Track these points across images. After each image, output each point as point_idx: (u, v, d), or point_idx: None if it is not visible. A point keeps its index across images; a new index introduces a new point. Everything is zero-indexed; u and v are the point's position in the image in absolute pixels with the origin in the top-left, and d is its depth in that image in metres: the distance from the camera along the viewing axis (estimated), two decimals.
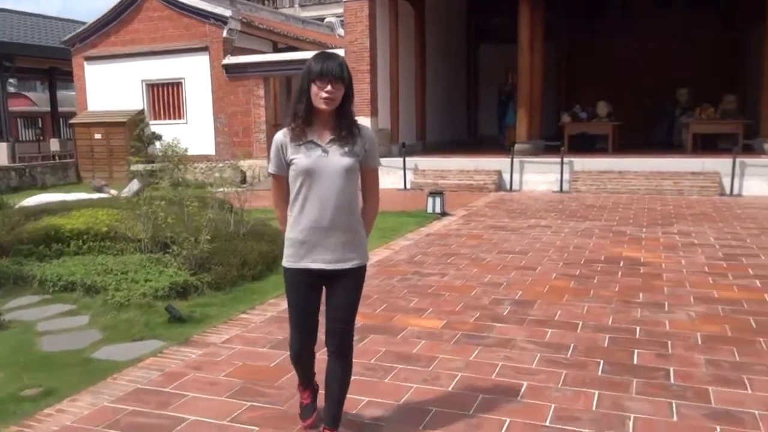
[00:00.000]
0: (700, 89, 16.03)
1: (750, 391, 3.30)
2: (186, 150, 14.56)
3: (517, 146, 13.00)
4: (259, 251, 6.18)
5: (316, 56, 2.61)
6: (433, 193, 9.81)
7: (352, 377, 2.83)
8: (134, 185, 11.43)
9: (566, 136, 14.59)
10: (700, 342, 4.03)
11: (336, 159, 2.58)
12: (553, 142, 13.97)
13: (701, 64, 17.43)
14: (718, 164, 11.48)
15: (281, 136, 2.65)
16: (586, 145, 14.76)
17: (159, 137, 14.79)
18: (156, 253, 6.12)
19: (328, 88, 2.50)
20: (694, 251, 6.69)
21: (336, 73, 2.52)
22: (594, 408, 3.15)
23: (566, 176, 12.24)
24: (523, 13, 13.44)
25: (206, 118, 16.28)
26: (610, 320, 4.50)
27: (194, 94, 16.32)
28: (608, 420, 3.02)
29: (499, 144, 16.67)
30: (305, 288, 2.68)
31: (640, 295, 5.12)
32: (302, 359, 2.87)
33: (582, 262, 6.33)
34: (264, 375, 3.63)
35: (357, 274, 2.70)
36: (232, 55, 15.64)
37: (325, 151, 2.58)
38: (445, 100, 18.03)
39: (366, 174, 2.72)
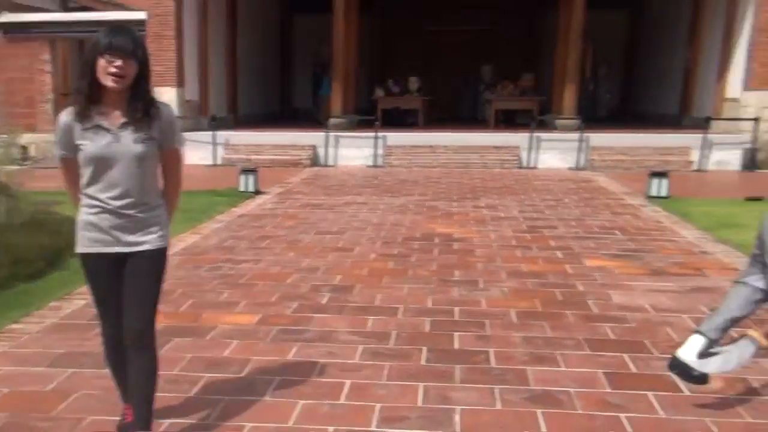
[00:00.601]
0: (502, 67, 17.06)
1: (564, 368, 3.36)
2: None
3: (332, 120, 12.81)
4: (38, 245, 5.28)
5: (106, 29, 2.34)
6: (246, 170, 9.26)
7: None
8: None
9: (379, 110, 14.73)
10: (515, 319, 4.09)
11: (128, 145, 2.38)
12: (367, 116, 13.99)
13: (503, 44, 18.53)
14: (518, 139, 12.24)
15: (66, 117, 2.40)
16: (399, 120, 15.03)
17: None
18: None
19: (118, 63, 2.28)
20: (501, 224, 6.96)
21: (127, 48, 2.29)
22: (420, 403, 2.99)
23: (380, 151, 12.31)
24: None
25: None
26: (430, 302, 4.43)
27: None
28: (435, 416, 2.88)
29: (313, 118, 16.41)
30: (103, 275, 2.51)
31: (456, 272, 5.14)
32: (114, 353, 2.61)
33: (399, 240, 6.28)
34: (38, 403, 2.99)
35: (155, 258, 2.52)
36: (12, 11, 13.49)
37: (115, 136, 2.37)
38: (258, 72, 17.30)
39: (165, 156, 2.52)
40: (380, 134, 12.28)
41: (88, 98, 2.34)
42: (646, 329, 3.89)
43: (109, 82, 2.30)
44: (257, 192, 9.06)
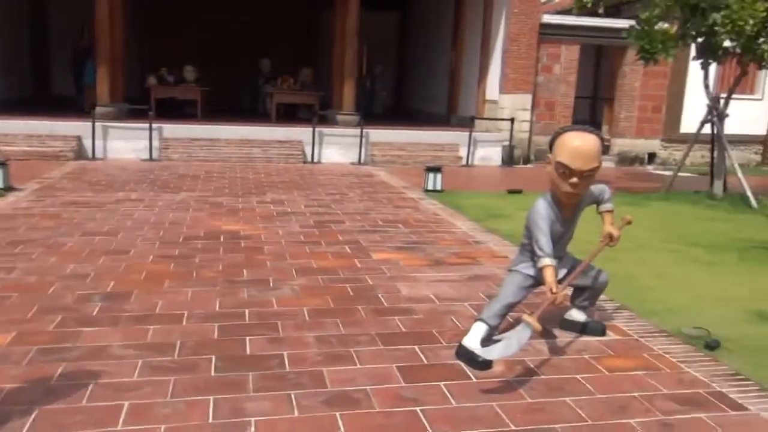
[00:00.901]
0: (281, 61, 16.93)
1: (359, 365, 3.34)
2: None
3: (98, 109, 11.59)
4: None
5: None
6: None
7: None
8: None
9: (153, 99, 13.72)
10: (307, 318, 3.99)
11: None
12: (139, 106, 12.95)
13: (282, 38, 18.40)
14: (301, 133, 12.23)
15: None
16: (175, 110, 14.15)
17: None
18: None
19: None
20: (288, 220, 6.85)
21: None
22: (211, 419, 2.74)
23: (156, 143, 11.47)
24: None
25: None
26: (218, 305, 4.16)
27: None
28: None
29: (77, 105, 14.77)
30: None
31: (245, 272, 4.91)
32: None
33: (181, 240, 5.84)
34: None
35: None
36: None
37: None
38: (5, 51, 15.07)
39: None
40: (155, 125, 11.43)
41: None
42: (433, 320, 4.04)
43: None
44: (8, 188, 7.86)
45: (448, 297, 4.50)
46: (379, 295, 4.47)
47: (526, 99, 13.45)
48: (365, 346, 3.58)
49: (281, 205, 7.70)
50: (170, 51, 17.63)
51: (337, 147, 12.25)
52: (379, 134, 12.46)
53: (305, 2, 18.71)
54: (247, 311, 4.07)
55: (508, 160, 12.99)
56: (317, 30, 18.82)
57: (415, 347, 3.58)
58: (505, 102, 13.46)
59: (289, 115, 14.99)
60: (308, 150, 12.04)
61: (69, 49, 15.65)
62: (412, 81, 19.00)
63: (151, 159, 11.26)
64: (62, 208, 6.98)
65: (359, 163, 12.04)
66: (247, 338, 3.63)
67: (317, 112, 13.45)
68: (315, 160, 12.00)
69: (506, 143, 13.04)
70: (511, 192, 9.22)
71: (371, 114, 15.20)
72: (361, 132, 12.10)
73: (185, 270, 4.91)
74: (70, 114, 12.70)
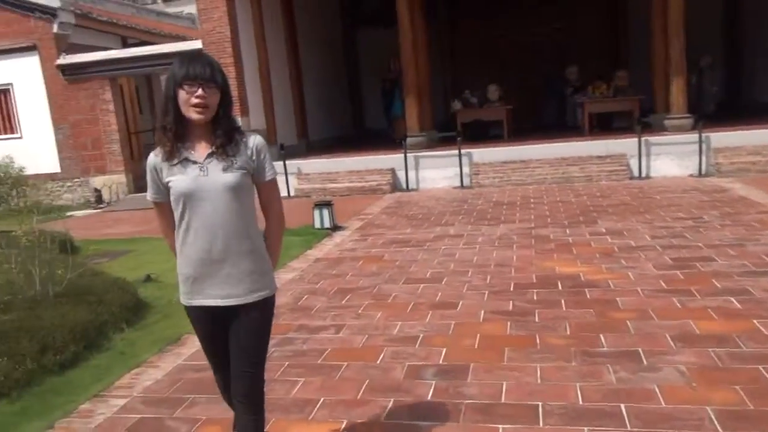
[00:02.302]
0: (587, 66, 15.49)
1: None
2: (23, 169, 12.17)
3: (409, 140, 11.64)
4: (74, 321, 4.33)
5: (179, 58, 2.23)
6: (320, 204, 8.19)
7: None
8: None
9: (459, 124, 13.48)
10: (719, 428, 2.72)
11: (217, 177, 2.22)
12: (447, 132, 12.78)
13: (586, 42, 16.94)
14: (622, 145, 10.69)
15: (153, 156, 2.30)
16: (480, 133, 13.72)
17: None
18: None
19: (199, 92, 2.15)
20: (636, 258, 5.54)
21: (205, 74, 2.17)
22: None
23: (466, 170, 11.05)
24: None
25: (45, 129, 13.70)
26: (579, 394, 3.13)
27: (27, 101, 13.68)
28: None
29: (388, 138, 15.35)
30: (207, 326, 2.38)
31: (602, 338, 3.81)
32: (228, 396, 2.51)
33: (511, 288, 4.99)
34: None
35: (262, 309, 2.36)
36: (69, 53, 13.19)
37: (203, 168, 2.22)
38: (325, 93, 16.44)
39: (261, 188, 2.39)
40: (464, 151, 11.02)
41: (175, 134, 2.21)
42: None
43: (193, 114, 2.18)
44: (335, 228, 7.99)
45: None
46: None
47: None
48: None
49: (620, 236, 6.41)
50: (469, 73, 17.51)
51: (669, 157, 10.41)
52: (722, 137, 10.27)
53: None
54: (623, 408, 2.96)
55: None
56: (624, 27, 16.90)
57: None
58: None
59: (603, 125, 13.48)
60: (633, 163, 10.44)
61: (377, 84, 16.42)
62: (749, 69, 15.83)
63: (462, 186, 10.86)
64: (384, 249, 6.72)
65: (700, 174, 10.03)
66: None
67: (637, 119, 11.75)
68: (643, 174, 10.34)
69: None
70: None
71: (702, 115, 12.83)
72: (700, 136, 10.08)
73: (525, 334, 4.00)
74: (383, 146, 13.09)
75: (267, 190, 2.39)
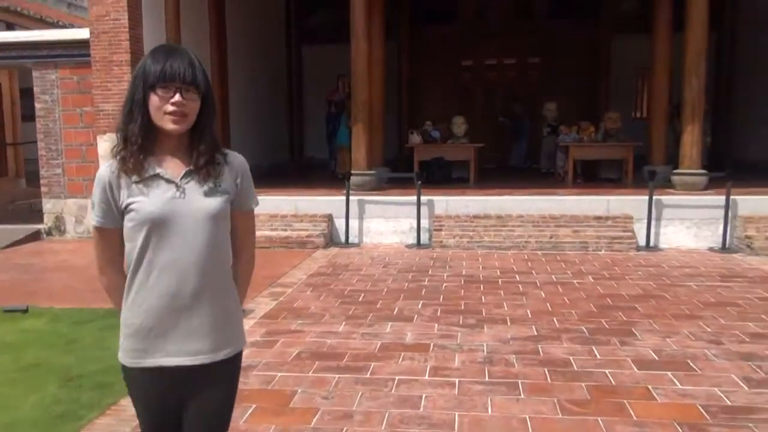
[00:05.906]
0: (567, 105, 13.40)
1: None
2: None
3: (353, 179, 9.01)
4: None
5: (154, 51, 1.71)
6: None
7: None
8: None
9: (416, 162, 11.00)
10: None
11: (197, 201, 1.71)
12: (401, 172, 10.27)
13: (565, 76, 14.89)
14: (628, 204, 8.35)
15: (107, 171, 1.72)
16: (442, 174, 11.25)
17: None
18: None
19: (176, 98, 1.65)
20: (744, 429, 3.03)
21: (185, 76, 1.67)
22: None
23: (424, 223, 8.51)
24: (357, 4, 9.43)
25: None
26: None
27: None
28: None
29: (330, 171, 12.75)
30: (158, 395, 1.74)
31: None
32: None
33: None
34: None
35: (231, 368, 1.80)
36: None
37: (180, 189, 1.70)
38: (259, 113, 13.72)
39: (238, 219, 1.83)
40: (424, 198, 8.48)
41: (141, 147, 1.68)
42: None
43: (168, 123, 1.68)
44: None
45: None
46: None
47: None
48: None
49: (688, 370, 3.89)
50: (429, 103, 15.22)
51: (683, 224, 8.14)
52: (751, 202, 8.09)
53: (585, 30, 14.96)
54: None
55: None
56: (606, 61, 14.96)
57: None
58: None
59: (587, 175, 11.25)
60: (638, 229, 8.11)
61: (321, 107, 13.82)
62: (741, 122, 14.04)
63: (419, 244, 8.29)
64: (297, 374, 4.00)
65: (724, 248, 7.78)
66: None
67: (630, 169, 9.57)
68: (651, 244, 8.01)
69: None
70: None
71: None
72: (727, 200, 7.83)
73: None
74: (321, 183, 10.48)
75: (243, 221, 1.85)
